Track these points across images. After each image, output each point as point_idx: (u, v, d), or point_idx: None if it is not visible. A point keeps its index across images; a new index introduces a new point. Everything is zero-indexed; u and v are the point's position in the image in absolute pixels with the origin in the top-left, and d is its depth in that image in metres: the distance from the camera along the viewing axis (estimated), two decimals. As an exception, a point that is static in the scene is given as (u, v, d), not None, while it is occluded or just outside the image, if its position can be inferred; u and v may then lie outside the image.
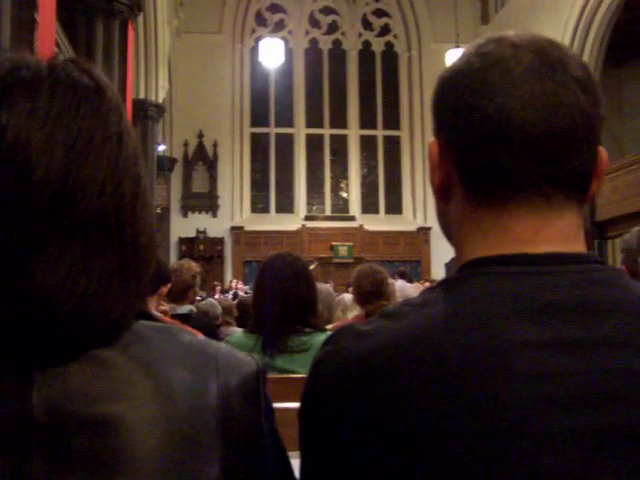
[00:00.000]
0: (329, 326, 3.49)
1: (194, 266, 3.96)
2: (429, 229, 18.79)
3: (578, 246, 0.79)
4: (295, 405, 0.89)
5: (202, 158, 19.13)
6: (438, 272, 17.55)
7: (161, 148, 17.02)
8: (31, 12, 5.01)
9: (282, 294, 2.56)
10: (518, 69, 0.77)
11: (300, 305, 2.59)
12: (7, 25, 4.70)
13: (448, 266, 16.59)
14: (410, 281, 10.79)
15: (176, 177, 18.70)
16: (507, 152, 0.76)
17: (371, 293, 3.68)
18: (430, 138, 0.87)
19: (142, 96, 12.55)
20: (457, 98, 0.81)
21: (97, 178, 0.68)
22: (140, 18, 11.01)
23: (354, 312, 4.70)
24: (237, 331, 4.31)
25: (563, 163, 0.77)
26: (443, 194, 0.85)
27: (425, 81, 19.49)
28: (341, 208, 20.20)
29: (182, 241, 18.36)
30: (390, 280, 4.12)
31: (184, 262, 3.97)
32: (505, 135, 0.76)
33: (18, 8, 4.76)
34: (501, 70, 0.78)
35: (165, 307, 3.58)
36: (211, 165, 19.13)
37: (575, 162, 0.78)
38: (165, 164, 17.36)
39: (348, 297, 5.21)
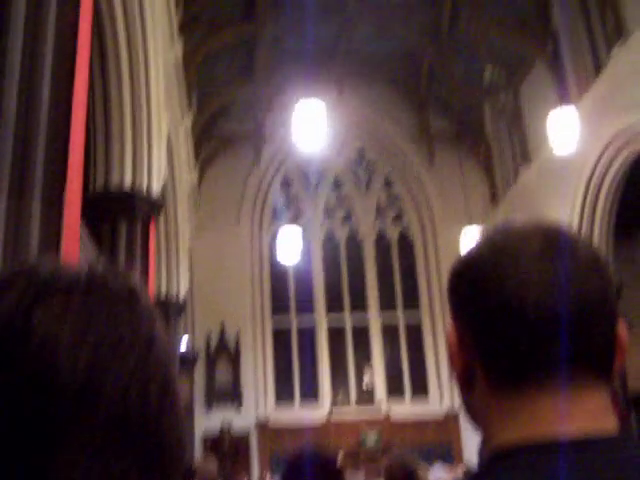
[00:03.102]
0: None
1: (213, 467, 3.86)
2: (457, 411, 18.32)
3: (608, 423, 0.77)
4: None
5: (225, 350, 19.09)
6: (471, 453, 16.92)
7: (183, 342, 17.05)
8: (58, 217, 5.20)
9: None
10: (527, 255, 0.79)
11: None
12: (35, 228, 4.86)
13: (480, 448, 16.02)
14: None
15: (199, 370, 18.58)
16: (524, 335, 0.77)
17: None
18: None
19: (164, 293, 12.76)
20: (471, 286, 0.83)
21: (122, 381, 0.69)
22: (161, 217, 11.42)
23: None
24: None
25: (582, 342, 0.77)
26: (465, 381, 0.85)
27: (442, 263, 19.76)
28: (366, 397, 19.77)
29: (207, 438, 17.94)
30: (422, 470, 3.98)
31: (208, 462, 3.88)
32: (521, 319, 0.77)
33: (46, 213, 4.96)
34: (511, 256, 0.80)
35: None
36: (234, 357, 19.06)
37: (594, 340, 0.78)
38: (188, 359, 17.32)
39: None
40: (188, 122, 14.99)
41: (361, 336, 20.37)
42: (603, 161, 13.52)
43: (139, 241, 8.82)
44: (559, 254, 0.79)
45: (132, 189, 9.09)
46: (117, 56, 9.08)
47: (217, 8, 15.91)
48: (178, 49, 13.04)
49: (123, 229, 8.66)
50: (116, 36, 8.97)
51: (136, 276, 0.81)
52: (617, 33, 13.00)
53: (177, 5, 12.92)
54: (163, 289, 12.85)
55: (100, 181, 9.03)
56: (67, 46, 5.19)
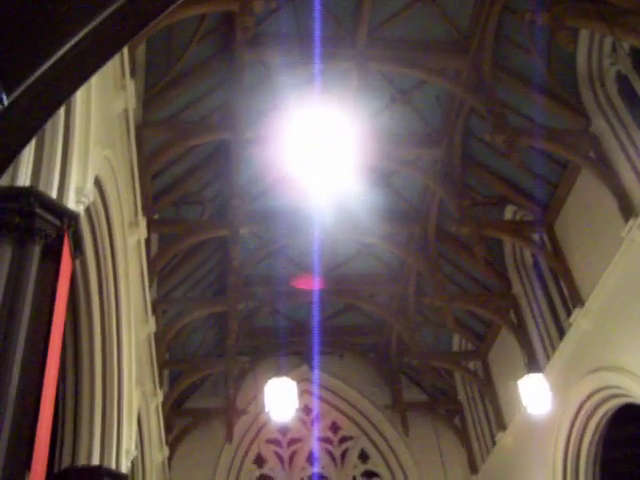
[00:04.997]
0: None
1: None
2: None
3: None
4: None
5: None
6: None
7: None
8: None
9: None
10: None
11: None
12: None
13: None
14: None
15: None
16: None
17: None
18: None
19: None
20: None
21: None
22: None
23: None
24: None
25: None
26: None
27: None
28: None
29: None
30: None
31: None
32: None
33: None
34: None
35: None
36: None
37: None
38: None
39: None
40: (159, 398, 14.83)
41: None
42: (579, 422, 13.45)
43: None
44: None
45: (100, 467, 8.76)
46: (90, 334, 9.18)
47: (189, 287, 16.50)
48: (151, 326, 13.26)
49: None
50: (90, 313, 9.13)
51: None
52: (573, 300, 13.56)
53: (151, 284, 13.36)
54: None
55: (66, 461, 8.72)
56: (39, 328, 5.27)
